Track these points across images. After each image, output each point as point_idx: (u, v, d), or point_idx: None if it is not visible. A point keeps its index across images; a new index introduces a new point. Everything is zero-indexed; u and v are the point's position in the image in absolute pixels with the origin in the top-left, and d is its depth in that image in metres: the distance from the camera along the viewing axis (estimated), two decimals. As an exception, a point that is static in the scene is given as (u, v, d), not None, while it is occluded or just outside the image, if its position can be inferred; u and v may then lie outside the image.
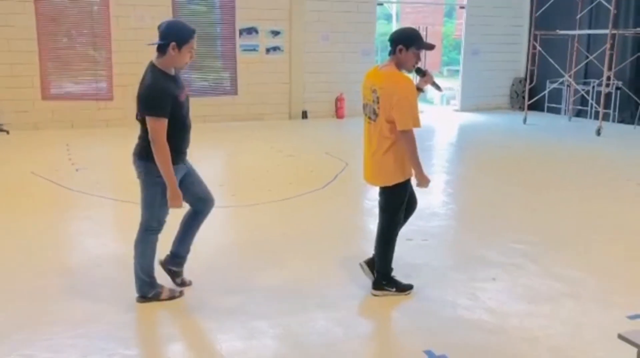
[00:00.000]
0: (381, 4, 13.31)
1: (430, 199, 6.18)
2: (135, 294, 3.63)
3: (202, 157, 7.74)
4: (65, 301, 3.66)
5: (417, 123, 3.49)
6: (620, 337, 1.83)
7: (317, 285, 3.95)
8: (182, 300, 3.69)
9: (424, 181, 3.62)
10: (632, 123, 11.26)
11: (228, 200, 6.12)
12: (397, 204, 3.72)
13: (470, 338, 3.28)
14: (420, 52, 3.60)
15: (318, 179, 6.91)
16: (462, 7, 13.74)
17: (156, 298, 3.62)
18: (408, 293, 3.80)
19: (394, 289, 3.80)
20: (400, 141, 3.53)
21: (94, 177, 6.93)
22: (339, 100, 12.29)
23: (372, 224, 5.43)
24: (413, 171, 3.64)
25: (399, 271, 3.92)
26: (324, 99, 12.31)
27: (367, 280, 3.89)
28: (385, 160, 3.59)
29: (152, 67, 3.40)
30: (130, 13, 10.60)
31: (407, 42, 3.54)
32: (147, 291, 3.61)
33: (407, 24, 21.63)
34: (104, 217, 5.58)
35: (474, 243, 4.85)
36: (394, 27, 22.32)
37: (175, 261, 3.82)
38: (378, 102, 3.54)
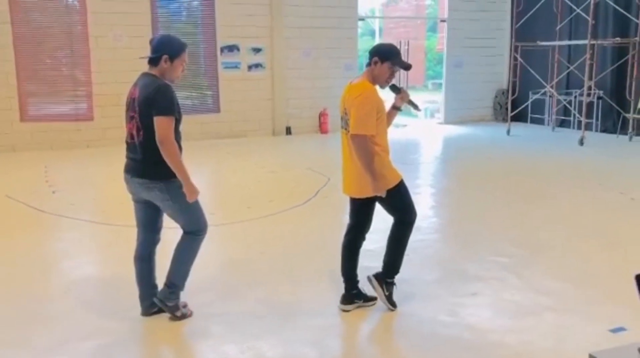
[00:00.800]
0: (362, 19, 13.33)
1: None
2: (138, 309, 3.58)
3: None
4: (30, 326, 3.52)
5: (367, 130, 3.41)
6: (591, 357, 1.75)
7: (292, 306, 3.83)
8: (151, 323, 3.56)
9: (375, 190, 3.49)
10: (615, 132, 11.29)
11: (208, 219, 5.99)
12: (402, 204, 3.65)
13: (450, 355, 3.17)
14: (395, 69, 3.55)
15: (299, 195, 6.82)
16: (443, 21, 13.81)
17: (175, 310, 3.54)
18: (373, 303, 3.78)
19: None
20: (377, 151, 3.48)
21: (70, 199, 6.80)
22: (322, 115, 12.25)
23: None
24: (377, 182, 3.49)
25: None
26: (307, 114, 12.26)
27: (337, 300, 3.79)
28: (362, 172, 3.49)
29: (151, 75, 3.37)
30: (108, 33, 10.53)
31: (383, 55, 3.53)
32: (173, 299, 3.53)
33: (390, 39, 21.75)
34: (77, 239, 5.44)
35: (456, 257, 4.76)
36: (377, 42, 22.50)
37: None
38: (348, 114, 3.51)
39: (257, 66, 11.75)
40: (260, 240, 5.28)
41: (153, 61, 3.37)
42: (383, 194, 3.52)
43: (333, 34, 12.23)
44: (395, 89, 3.70)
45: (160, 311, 3.58)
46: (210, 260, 4.78)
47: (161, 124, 3.23)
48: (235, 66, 11.57)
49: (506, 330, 3.43)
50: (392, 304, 3.73)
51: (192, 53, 11.35)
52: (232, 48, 11.48)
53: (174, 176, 3.30)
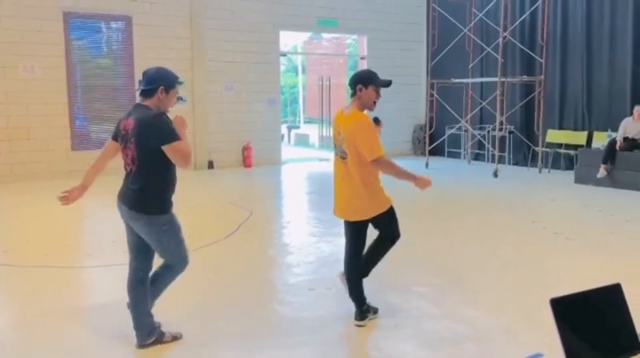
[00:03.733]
0: (284, 55, 13.48)
1: (333, 247, 6.07)
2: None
3: (97, 211, 7.29)
4: None
5: (380, 151, 3.70)
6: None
7: (210, 343, 3.65)
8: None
9: (423, 183, 3.91)
10: (526, 165, 11.89)
11: (121, 257, 5.70)
12: (393, 224, 3.98)
13: (372, 391, 3.11)
14: (379, 89, 3.78)
15: (220, 230, 6.64)
16: (362, 58, 14.20)
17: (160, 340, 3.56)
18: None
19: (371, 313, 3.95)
20: (370, 177, 3.76)
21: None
22: (246, 149, 12.16)
23: (277, 274, 5.24)
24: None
25: (300, 323, 3.71)
26: (230, 148, 12.13)
27: (259, 337, 3.66)
28: (359, 195, 3.78)
29: (146, 106, 3.41)
30: (18, 64, 10.04)
31: (365, 81, 3.78)
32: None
33: (312, 76, 22.12)
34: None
35: (378, 287, 4.72)
36: (300, 78, 22.81)
37: None
38: (344, 143, 3.74)
39: (178, 99, 11.51)
40: (177, 278, 5.04)
41: (148, 93, 3.43)
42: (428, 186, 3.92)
43: (256, 68, 12.26)
44: (376, 120, 3.91)
45: (155, 342, 3.55)
46: (121, 299, 4.51)
47: (175, 149, 3.29)
48: (155, 99, 11.30)
49: (427, 361, 3.42)
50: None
51: (109, 86, 11.03)
52: (151, 81, 11.22)
53: (159, 211, 3.40)
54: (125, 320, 3.63)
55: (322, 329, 3.85)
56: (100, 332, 3.83)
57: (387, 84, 3.85)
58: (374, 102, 3.82)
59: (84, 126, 10.92)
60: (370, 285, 4.90)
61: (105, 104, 10.96)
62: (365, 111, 3.82)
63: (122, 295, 4.49)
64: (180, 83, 3.53)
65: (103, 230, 6.40)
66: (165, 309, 3.97)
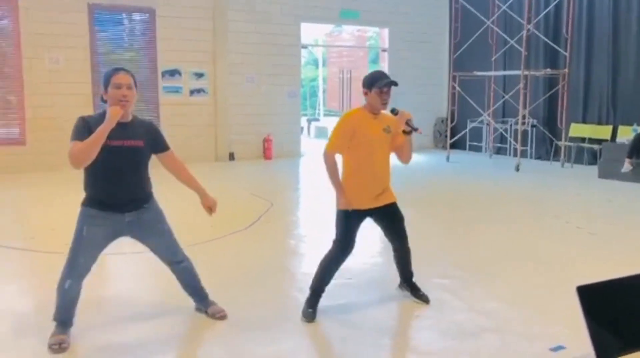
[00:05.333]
0: (306, 47, 13.47)
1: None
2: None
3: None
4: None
5: (329, 146, 3.79)
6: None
7: (226, 333, 3.70)
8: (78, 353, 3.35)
9: (342, 203, 3.78)
10: (548, 159, 11.75)
11: (140, 246, 5.79)
12: (338, 228, 3.87)
13: (393, 380, 3.12)
14: (383, 90, 3.75)
15: (241, 220, 6.69)
16: (384, 51, 14.14)
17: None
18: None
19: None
20: (345, 169, 3.86)
21: (-3, 226, 6.43)
22: (266, 141, 12.21)
23: (297, 263, 5.27)
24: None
25: (320, 311, 3.73)
26: (251, 140, 12.19)
27: (282, 324, 3.70)
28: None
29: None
30: (44, 55, 10.19)
31: (368, 85, 3.79)
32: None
33: (333, 69, 22.09)
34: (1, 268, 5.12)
35: (398, 279, 4.74)
36: (321, 71, 22.78)
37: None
38: None
39: (199, 91, 11.62)
40: (199, 266, 5.10)
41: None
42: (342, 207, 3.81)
43: (277, 61, 12.28)
44: (393, 111, 3.87)
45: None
46: (149, 286, 4.59)
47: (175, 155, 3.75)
48: (177, 91, 11.41)
49: (448, 352, 3.42)
50: (304, 314, 3.84)
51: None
52: (173, 73, 11.34)
53: (81, 203, 3.49)
54: (151, 304, 3.67)
55: (342, 318, 3.87)
56: (124, 314, 3.89)
57: (390, 83, 3.77)
58: (383, 103, 3.81)
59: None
60: (391, 276, 4.92)
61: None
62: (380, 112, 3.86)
63: (146, 283, 4.57)
64: (117, 72, 3.36)
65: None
66: (186, 296, 4.03)
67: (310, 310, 3.84)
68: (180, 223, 6.71)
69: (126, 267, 5.10)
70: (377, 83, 3.76)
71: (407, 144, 3.92)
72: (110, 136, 3.24)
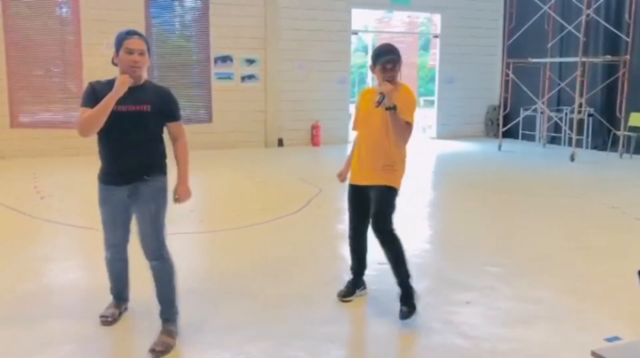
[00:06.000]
0: (356, 34, 13.40)
1: (404, 223, 6.06)
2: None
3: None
4: (11, 330, 3.43)
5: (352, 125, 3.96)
6: (594, 354, 1.71)
7: (283, 312, 3.77)
8: (135, 331, 3.49)
9: None
10: (605, 149, 11.36)
11: (196, 226, 5.95)
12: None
13: (442, 363, 3.12)
14: (386, 67, 3.53)
15: (291, 205, 6.77)
16: (436, 37, 13.92)
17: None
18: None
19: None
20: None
21: (58, 205, 6.71)
22: (314, 128, 12.25)
23: (345, 248, 5.30)
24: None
25: (370, 295, 3.76)
26: (300, 127, 12.26)
27: (334, 306, 3.74)
28: None
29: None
30: (102, 41, 10.49)
31: (373, 61, 3.64)
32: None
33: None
34: (63, 244, 5.36)
35: (448, 266, 4.73)
36: (370, 58, 22.61)
37: None
38: None
39: (250, 77, 11.75)
40: (250, 248, 5.22)
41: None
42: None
43: (327, 47, 12.28)
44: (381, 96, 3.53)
45: None
46: (199, 266, 4.72)
47: (183, 128, 3.48)
48: (229, 77, 11.57)
49: (499, 338, 3.39)
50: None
51: (185, 63, 11.36)
52: (225, 59, 11.49)
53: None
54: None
55: (391, 302, 3.88)
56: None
57: (389, 61, 3.50)
58: (387, 80, 3.48)
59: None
60: (439, 263, 4.89)
61: (181, 80, 11.30)
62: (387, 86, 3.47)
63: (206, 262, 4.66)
64: (130, 36, 3.17)
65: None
66: (245, 276, 4.12)
67: (342, 289, 3.96)
68: (229, 205, 6.88)
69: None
70: (377, 60, 3.55)
71: (391, 121, 3.48)
72: (118, 101, 3.09)
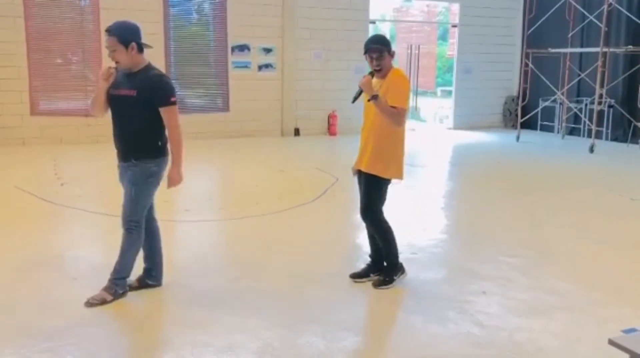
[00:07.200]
0: (373, 22, 13.33)
1: (421, 214, 6.07)
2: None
3: (192, 172, 7.64)
4: (35, 313, 3.51)
5: None
6: (611, 342, 1.71)
7: (299, 299, 3.81)
8: (157, 314, 3.55)
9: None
10: (625, 141, 11.22)
11: (215, 213, 6.01)
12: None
13: (459, 352, 3.14)
14: (371, 56, 3.74)
15: (307, 194, 6.80)
16: (454, 26, 13.80)
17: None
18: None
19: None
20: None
21: (78, 191, 6.80)
22: (331, 117, 12.24)
23: (361, 237, 5.32)
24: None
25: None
26: (316, 116, 12.25)
27: (351, 294, 3.76)
28: None
29: (149, 64, 3.63)
30: (121, 29, 10.56)
31: (364, 50, 3.81)
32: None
33: (401, 44, 21.72)
34: (84, 230, 5.44)
35: (465, 256, 4.73)
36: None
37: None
38: None
39: (267, 66, 11.76)
40: (268, 235, 5.26)
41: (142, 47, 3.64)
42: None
43: (344, 36, 12.23)
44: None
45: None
46: (219, 252, 4.77)
47: (175, 112, 3.64)
48: (246, 66, 11.59)
49: (515, 328, 3.39)
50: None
51: (202, 52, 11.40)
52: (242, 48, 11.50)
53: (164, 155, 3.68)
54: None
55: (408, 291, 3.90)
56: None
57: (369, 50, 3.72)
58: (375, 69, 3.74)
59: (178, 91, 11.37)
60: (456, 252, 4.89)
61: (198, 69, 11.34)
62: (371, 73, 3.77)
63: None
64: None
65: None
66: (262, 263, 4.16)
67: (355, 272, 4.08)
68: (247, 194, 6.92)
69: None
70: (365, 49, 3.76)
71: (377, 109, 3.71)
72: (114, 86, 3.53)
